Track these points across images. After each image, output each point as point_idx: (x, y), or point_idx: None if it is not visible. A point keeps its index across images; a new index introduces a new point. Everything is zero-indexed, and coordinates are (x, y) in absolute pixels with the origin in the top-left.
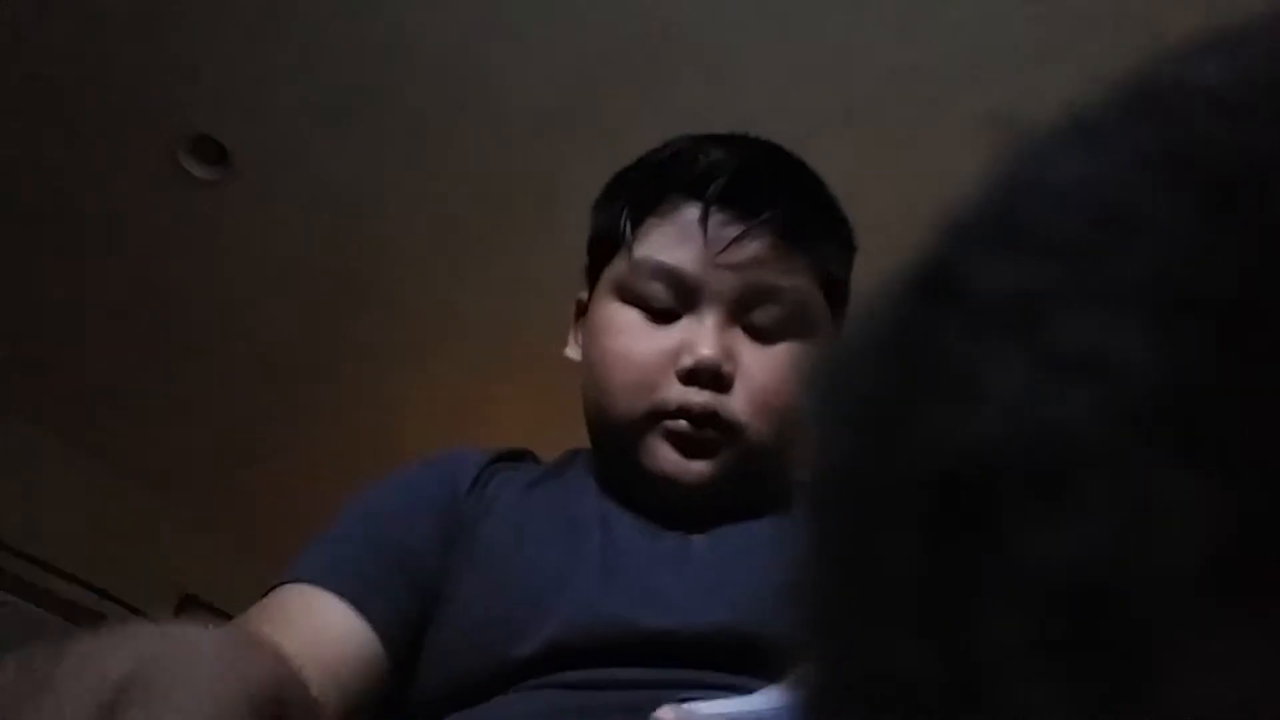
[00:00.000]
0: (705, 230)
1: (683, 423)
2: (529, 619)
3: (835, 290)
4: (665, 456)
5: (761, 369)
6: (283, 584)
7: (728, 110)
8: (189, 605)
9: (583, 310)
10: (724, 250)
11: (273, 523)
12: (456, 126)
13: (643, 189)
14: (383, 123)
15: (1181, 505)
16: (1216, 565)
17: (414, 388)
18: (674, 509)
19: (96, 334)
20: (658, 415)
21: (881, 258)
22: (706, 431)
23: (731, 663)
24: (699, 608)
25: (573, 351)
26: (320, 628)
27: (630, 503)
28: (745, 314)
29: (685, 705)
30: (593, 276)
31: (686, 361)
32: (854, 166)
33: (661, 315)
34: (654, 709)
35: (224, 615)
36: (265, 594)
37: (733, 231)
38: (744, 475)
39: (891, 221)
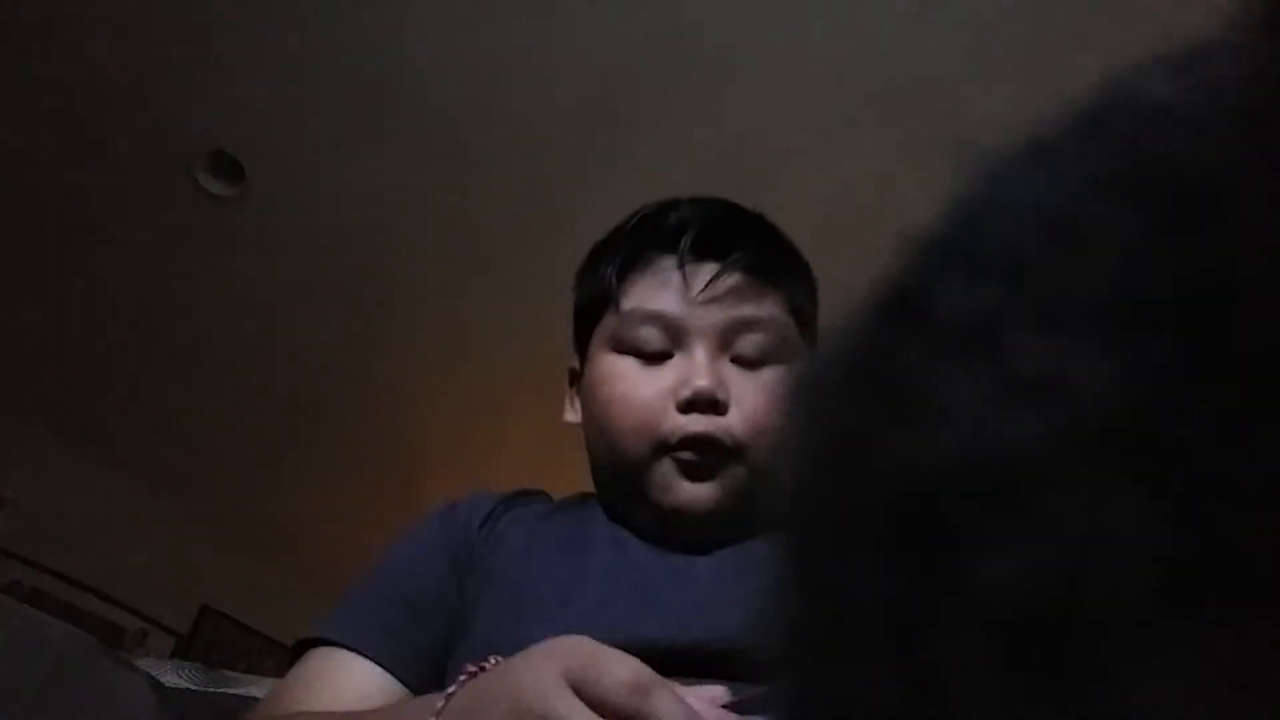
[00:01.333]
0: (684, 275)
1: (687, 454)
2: (534, 633)
3: (805, 324)
4: (676, 487)
5: (753, 393)
6: (313, 643)
7: (741, 116)
8: (206, 616)
9: (576, 377)
10: (703, 290)
11: (289, 536)
12: (471, 142)
13: (621, 251)
14: (398, 138)
15: (1133, 524)
16: (1168, 583)
17: (432, 400)
18: (683, 536)
19: (117, 350)
20: (664, 448)
21: (884, 262)
22: (710, 456)
23: (734, 675)
24: (702, 620)
25: (571, 415)
26: (360, 693)
27: (639, 530)
28: (731, 345)
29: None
30: (581, 343)
31: (684, 393)
32: (864, 169)
33: (655, 358)
34: None
35: (241, 626)
36: (296, 648)
37: (708, 273)
38: (748, 495)
39: (898, 225)
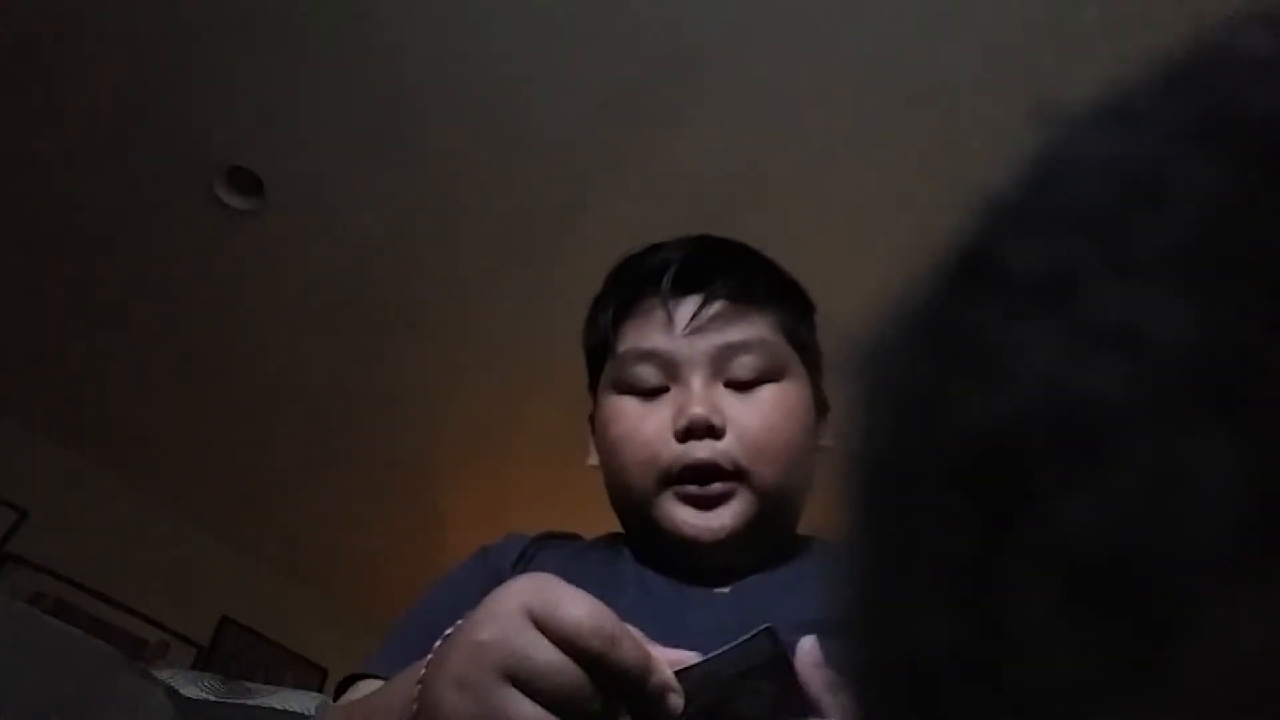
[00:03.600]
0: (669, 311)
1: (691, 487)
2: None
3: (799, 343)
4: (683, 519)
5: (749, 415)
6: (358, 677)
7: (750, 130)
8: (226, 627)
9: (592, 423)
10: (689, 322)
11: (307, 548)
12: (486, 155)
13: (613, 298)
14: (414, 152)
15: (1215, 467)
16: (1251, 525)
17: (447, 412)
18: (703, 568)
19: (137, 363)
20: (667, 480)
21: (905, 272)
22: (714, 486)
23: None
24: (718, 641)
25: (592, 460)
26: None
27: (663, 567)
28: (723, 371)
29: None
30: (594, 390)
31: (681, 423)
32: (876, 183)
33: (652, 394)
34: None
35: (260, 637)
36: (341, 684)
37: (693, 305)
38: (760, 519)
39: (915, 237)
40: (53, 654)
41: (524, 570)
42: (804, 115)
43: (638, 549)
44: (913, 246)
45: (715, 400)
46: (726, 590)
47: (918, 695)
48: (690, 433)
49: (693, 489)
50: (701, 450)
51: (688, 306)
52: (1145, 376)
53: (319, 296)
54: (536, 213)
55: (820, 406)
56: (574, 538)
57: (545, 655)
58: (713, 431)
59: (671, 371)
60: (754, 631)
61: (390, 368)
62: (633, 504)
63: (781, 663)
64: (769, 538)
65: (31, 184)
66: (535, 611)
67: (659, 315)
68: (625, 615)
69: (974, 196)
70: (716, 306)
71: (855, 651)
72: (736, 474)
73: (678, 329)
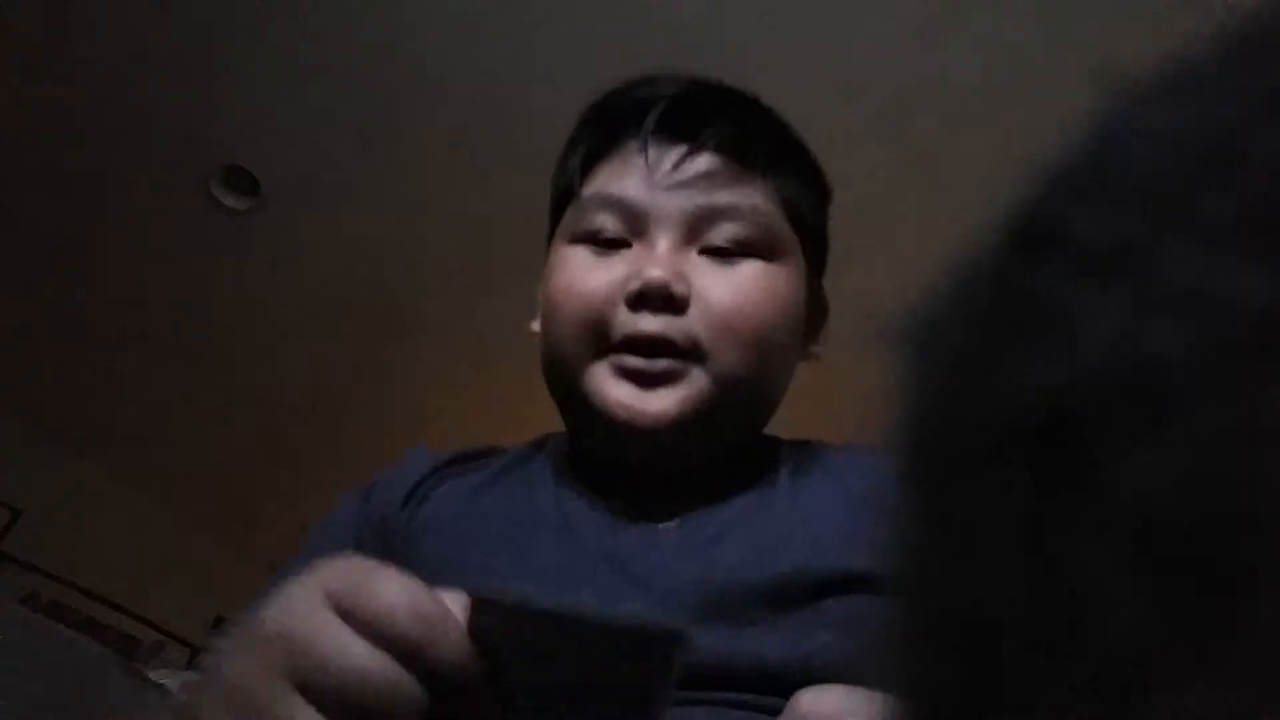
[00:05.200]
0: (647, 156)
1: (632, 359)
2: None
3: (799, 220)
4: (616, 397)
5: (722, 289)
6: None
7: None
8: (221, 628)
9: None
10: (669, 172)
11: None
12: (485, 154)
13: (587, 138)
14: (412, 151)
15: None
16: None
17: (445, 411)
18: (643, 489)
19: (132, 363)
20: (604, 349)
21: (911, 268)
22: (660, 362)
23: (704, 657)
24: (671, 599)
25: (537, 324)
26: None
27: (594, 490)
28: (700, 236)
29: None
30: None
31: (633, 285)
32: (880, 180)
33: (609, 246)
34: None
35: None
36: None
37: (677, 154)
38: (714, 413)
39: (920, 234)
40: (45, 655)
41: (416, 515)
42: (807, 114)
43: (564, 465)
44: (906, 248)
45: (682, 267)
46: (673, 525)
47: (974, 655)
48: (643, 300)
49: (634, 361)
50: (653, 323)
51: (671, 155)
52: (1215, 339)
53: (315, 296)
54: (536, 214)
55: (815, 307)
56: (490, 455)
57: (347, 651)
58: (672, 303)
59: (637, 225)
60: (654, 622)
61: (388, 367)
62: (560, 372)
63: (665, 685)
64: (721, 438)
65: (22, 184)
66: (337, 595)
67: (636, 161)
68: (541, 566)
69: (1029, 166)
70: (705, 159)
71: (904, 614)
72: (692, 353)
73: (655, 179)
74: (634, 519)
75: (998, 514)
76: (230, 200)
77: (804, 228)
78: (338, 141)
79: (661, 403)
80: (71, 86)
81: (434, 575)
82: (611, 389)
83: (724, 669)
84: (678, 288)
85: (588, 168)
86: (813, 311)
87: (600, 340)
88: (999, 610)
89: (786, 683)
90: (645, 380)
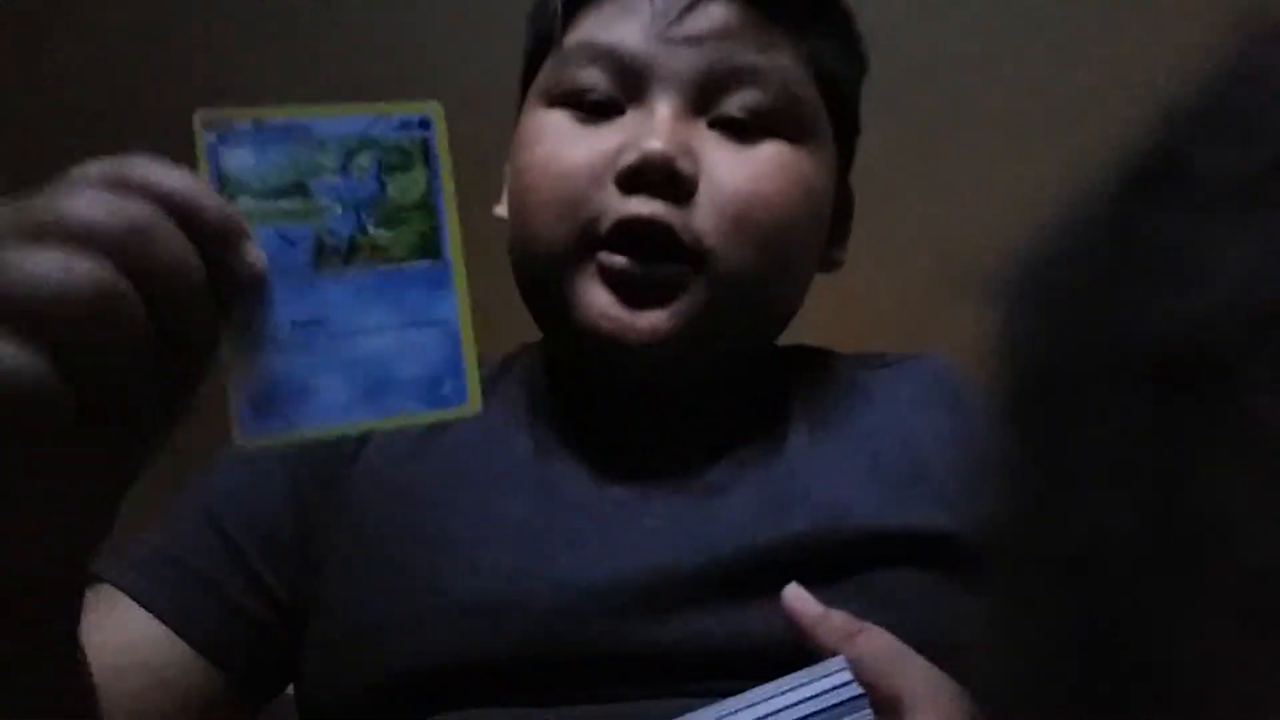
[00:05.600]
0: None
1: (620, 258)
2: (411, 608)
3: (834, 93)
4: (600, 308)
5: (737, 172)
6: (100, 582)
7: None
8: None
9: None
10: (678, 18)
11: None
12: (481, 135)
13: None
14: None
15: None
16: None
17: None
18: (629, 400)
19: None
20: (590, 242)
21: (913, 248)
22: (657, 269)
23: (689, 622)
24: (652, 556)
25: (502, 209)
26: (128, 659)
27: (575, 425)
28: (712, 103)
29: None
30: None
31: (629, 158)
32: (876, 160)
33: (598, 110)
34: None
35: None
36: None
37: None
38: (715, 326)
39: (919, 215)
40: None
41: (364, 445)
42: None
43: (540, 392)
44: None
45: (689, 140)
46: (667, 475)
47: (1096, 583)
48: (639, 176)
49: (623, 263)
50: (649, 207)
51: None
52: None
53: None
54: None
55: (841, 205)
56: None
57: (31, 256)
58: (674, 184)
59: (634, 85)
60: (826, 668)
61: None
62: (536, 277)
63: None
64: (724, 356)
65: (14, 169)
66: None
67: (637, 4)
68: (509, 517)
69: (1151, 108)
70: (723, 7)
71: (1016, 546)
72: (695, 252)
73: (660, 27)
74: (622, 468)
75: (1128, 447)
76: None
77: (839, 104)
78: None
79: (654, 317)
80: (66, 79)
81: (385, 514)
82: (595, 297)
83: (729, 654)
84: (683, 165)
85: (574, 7)
86: (839, 210)
87: (583, 231)
88: (1131, 540)
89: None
90: (636, 287)
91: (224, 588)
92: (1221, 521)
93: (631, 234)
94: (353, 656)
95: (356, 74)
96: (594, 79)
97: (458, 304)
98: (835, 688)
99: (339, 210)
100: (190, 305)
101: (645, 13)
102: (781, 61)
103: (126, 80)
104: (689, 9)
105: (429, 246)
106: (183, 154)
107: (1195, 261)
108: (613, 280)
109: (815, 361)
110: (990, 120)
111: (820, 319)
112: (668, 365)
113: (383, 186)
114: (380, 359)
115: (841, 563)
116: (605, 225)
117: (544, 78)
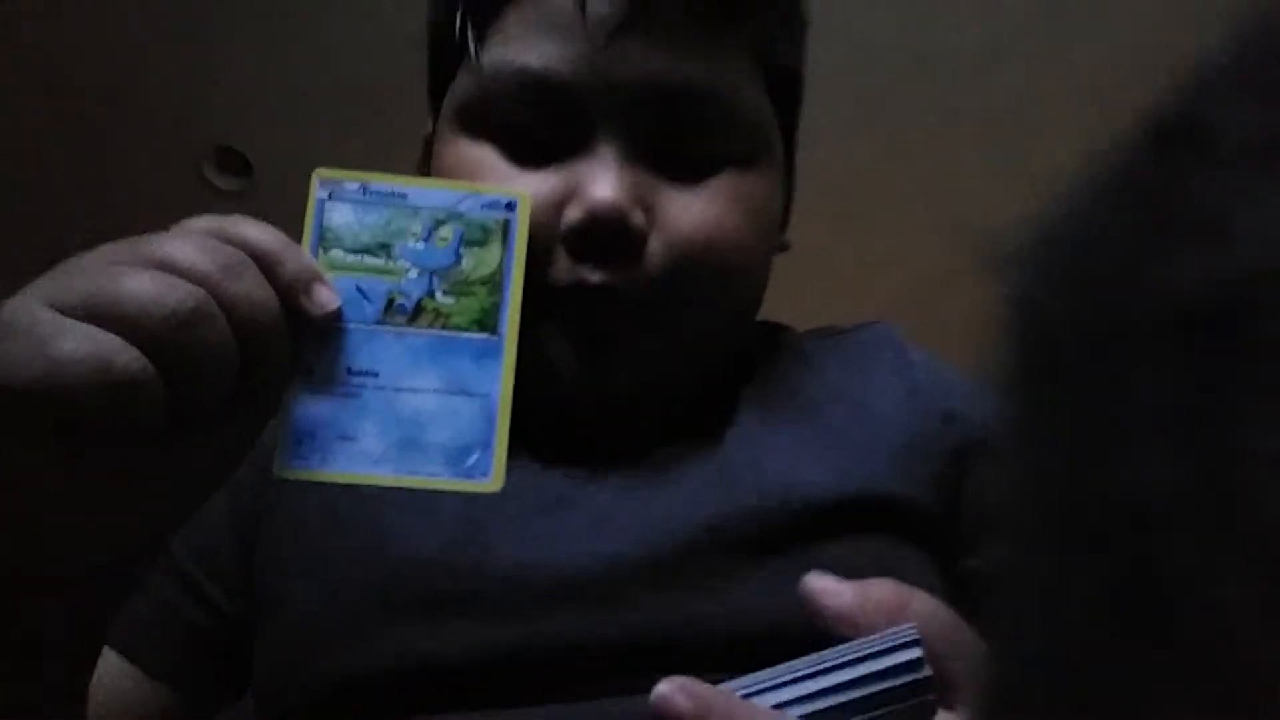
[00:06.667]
0: (584, 8)
1: (571, 310)
2: (366, 617)
3: (780, 83)
4: (556, 357)
5: (691, 216)
6: None
7: None
8: None
9: (428, 150)
10: (614, 36)
11: None
12: None
13: None
14: (402, 130)
15: None
16: None
17: None
18: (584, 433)
19: None
20: (538, 303)
21: (900, 245)
22: (608, 322)
23: (636, 613)
24: (601, 543)
25: None
26: (110, 688)
27: (519, 421)
28: (659, 139)
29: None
30: (436, 99)
31: (573, 216)
32: (868, 161)
33: (530, 151)
34: None
35: None
36: None
37: (625, 4)
38: (676, 369)
39: (906, 212)
40: None
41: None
42: (809, 81)
43: None
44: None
45: (635, 186)
46: (619, 460)
47: (1123, 539)
48: (588, 236)
49: (574, 314)
50: (596, 274)
51: (619, 4)
52: None
53: None
54: None
55: (788, 196)
56: None
57: (135, 278)
58: (627, 239)
59: (571, 123)
60: (893, 638)
61: None
62: None
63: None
64: (687, 384)
65: (12, 168)
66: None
67: (563, 12)
68: (451, 510)
69: (1177, 70)
70: (662, 13)
71: (1040, 517)
72: (651, 302)
73: (593, 44)
74: (568, 454)
75: (1156, 406)
76: (222, 181)
77: (785, 95)
78: (330, 122)
79: (613, 373)
80: (62, 69)
81: (323, 505)
82: (548, 345)
83: (688, 640)
84: (635, 220)
85: (483, 12)
86: (787, 202)
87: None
88: (1160, 500)
89: (770, 654)
90: (591, 341)
91: (179, 610)
92: (1252, 487)
93: (586, 299)
94: (296, 658)
95: (357, 74)
96: (526, 117)
97: (502, 380)
98: (901, 665)
99: (414, 273)
100: (267, 336)
101: (574, 28)
102: (729, 76)
103: (127, 78)
104: (626, 25)
105: (488, 321)
106: (183, 153)
107: (1221, 223)
108: (566, 328)
109: (766, 337)
110: (990, 119)
111: (821, 319)
112: (628, 412)
113: (459, 258)
114: (418, 419)
115: (793, 534)
116: (552, 293)
117: (462, 97)
